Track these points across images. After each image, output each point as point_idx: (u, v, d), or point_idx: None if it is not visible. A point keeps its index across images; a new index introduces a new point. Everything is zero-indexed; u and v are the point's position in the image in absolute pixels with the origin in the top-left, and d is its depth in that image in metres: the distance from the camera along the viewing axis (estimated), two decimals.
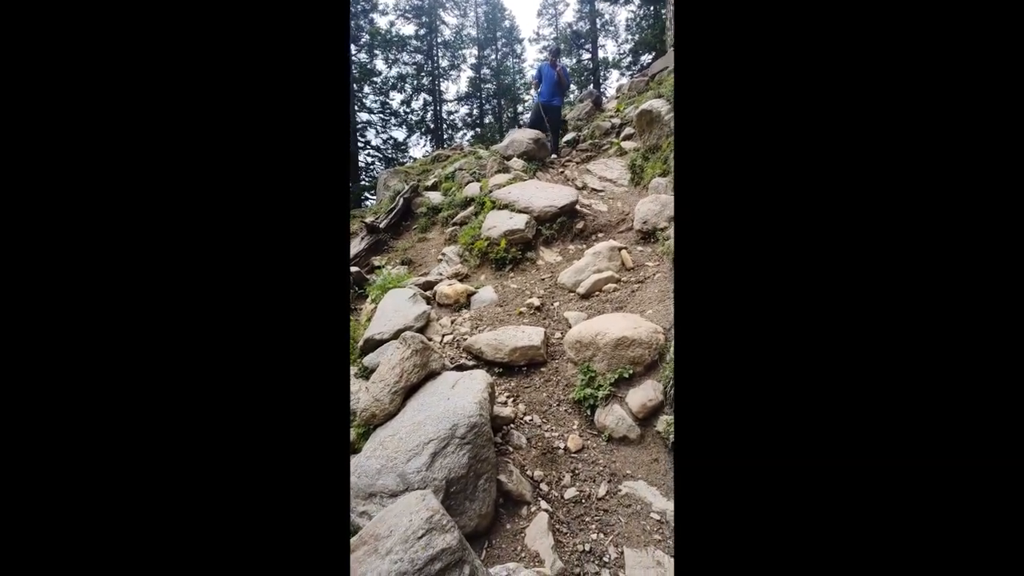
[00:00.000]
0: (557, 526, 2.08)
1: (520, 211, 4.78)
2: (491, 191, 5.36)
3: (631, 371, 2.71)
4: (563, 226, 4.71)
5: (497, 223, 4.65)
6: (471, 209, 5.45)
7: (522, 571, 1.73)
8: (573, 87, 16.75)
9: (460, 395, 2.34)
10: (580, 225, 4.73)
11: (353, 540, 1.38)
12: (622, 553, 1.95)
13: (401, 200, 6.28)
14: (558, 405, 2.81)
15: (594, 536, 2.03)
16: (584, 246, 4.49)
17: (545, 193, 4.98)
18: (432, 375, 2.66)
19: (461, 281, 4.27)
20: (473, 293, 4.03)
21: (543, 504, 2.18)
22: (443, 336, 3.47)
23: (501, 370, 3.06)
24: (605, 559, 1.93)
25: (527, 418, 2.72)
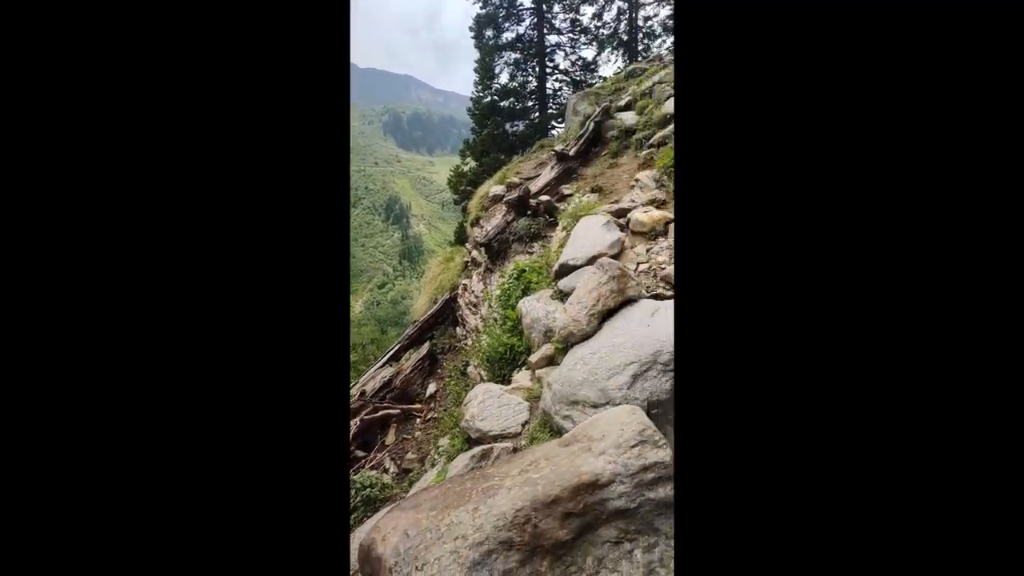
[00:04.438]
0: None
1: None
2: None
3: None
4: None
5: None
6: (671, 127, 4.92)
7: None
8: None
9: (662, 322, 2.26)
10: None
11: (566, 437, 1.52)
12: None
13: (591, 124, 6.06)
14: None
15: None
16: None
17: None
18: (629, 302, 2.63)
19: (658, 208, 4.00)
20: (671, 220, 3.74)
21: None
22: (638, 265, 3.36)
23: None
24: None
25: None
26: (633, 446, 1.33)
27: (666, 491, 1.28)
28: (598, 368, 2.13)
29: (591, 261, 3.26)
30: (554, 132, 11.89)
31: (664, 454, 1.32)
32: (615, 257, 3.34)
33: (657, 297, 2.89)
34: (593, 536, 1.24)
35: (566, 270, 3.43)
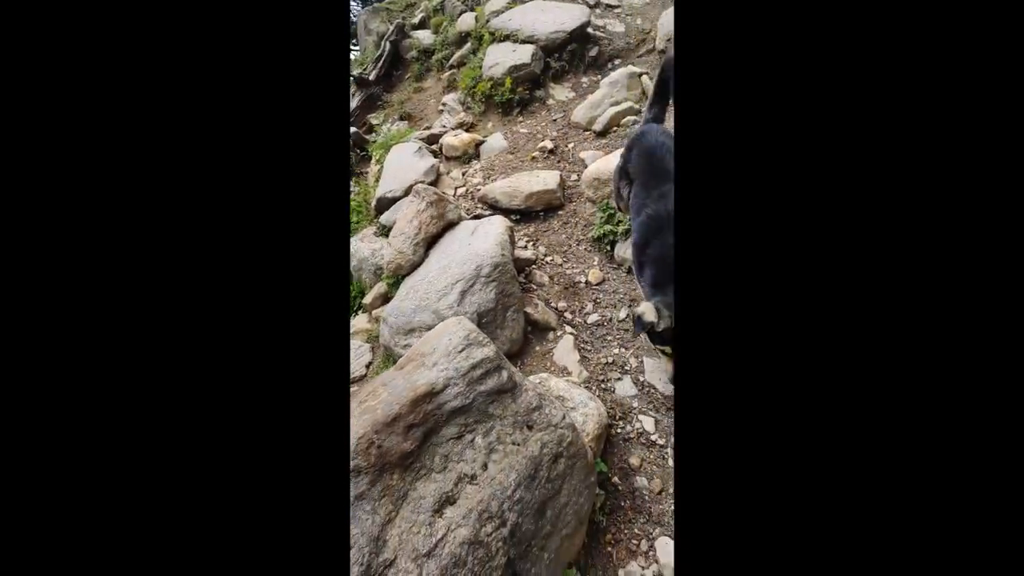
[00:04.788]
0: (582, 345, 2.29)
1: (524, 41, 4.23)
2: (488, 20, 4.69)
3: None
4: (574, 55, 4.19)
5: (499, 59, 4.16)
6: (468, 46, 4.85)
7: (553, 379, 1.96)
8: None
9: (480, 239, 2.38)
10: (593, 52, 4.20)
11: (400, 361, 1.55)
12: (641, 362, 2.17)
13: (387, 45, 5.59)
14: (578, 244, 2.86)
15: (616, 350, 2.24)
16: (599, 76, 4.05)
17: (551, 16, 4.33)
18: (451, 225, 2.69)
19: (467, 131, 4.03)
20: (481, 142, 3.82)
21: (568, 329, 2.37)
22: (456, 189, 3.40)
23: (518, 217, 3.06)
24: (626, 368, 2.16)
25: (548, 259, 2.80)
26: (461, 350, 1.44)
27: (494, 381, 1.44)
28: (428, 293, 2.17)
29: (409, 190, 3.18)
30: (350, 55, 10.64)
31: (488, 350, 1.46)
32: (432, 184, 3.31)
33: (477, 218, 3.01)
34: (437, 438, 1.34)
35: (385, 203, 3.29)
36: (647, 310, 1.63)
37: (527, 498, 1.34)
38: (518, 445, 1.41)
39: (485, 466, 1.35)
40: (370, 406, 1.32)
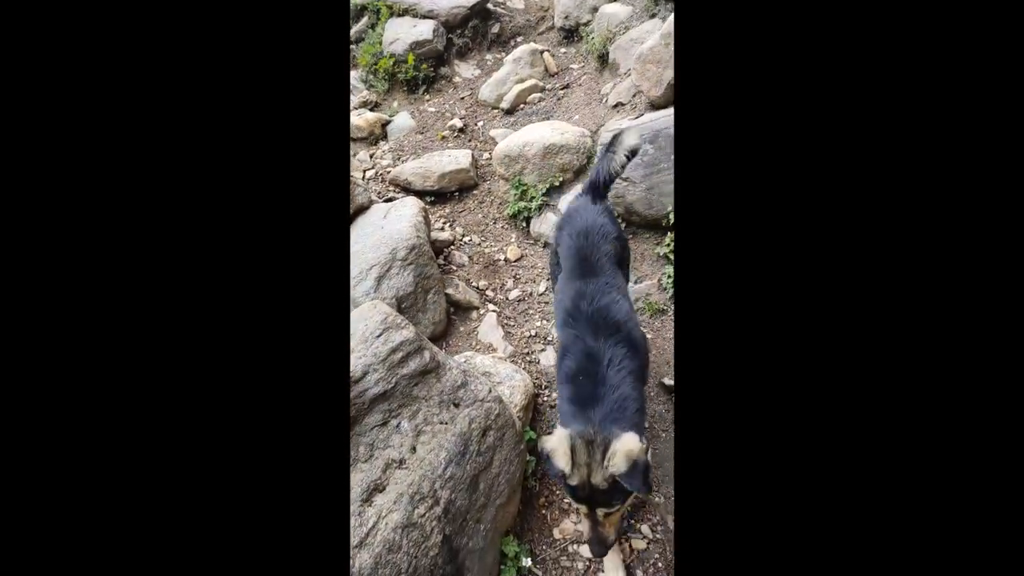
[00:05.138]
0: (505, 321, 2.33)
1: (424, 16, 4.07)
2: None
3: (561, 178, 2.74)
4: (476, 31, 4.12)
5: (400, 34, 3.97)
6: (365, 20, 4.55)
7: (478, 356, 1.97)
8: None
9: (393, 222, 2.30)
10: (496, 28, 4.17)
11: None
12: None
13: None
14: (494, 223, 2.87)
15: (538, 323, 2.31)
16: (503, 53, 4.03)
17: None
18: (361, 209, 2.56)
19: (372, 110, 3.82)
20: (388, 122, 3.65)
21: (490, 307, 2.39)
22: (364, 172, 3.23)
23: (432, 198, 2.99)
24: (549, 339, 2.24)
25: (466, 239, 2.78)
26: (379, 335, 1.39)
27: (416, 363, 1.41)
28: None
29: None
30: None
31: (408, 332, 1.43)
32: None
33: (389, 200, 2.89)
34: (360, 428, 1.30)
35: None
36: (556, 447, 1.24)
37: (459, 474, 1.35)
38: (446, 424, 1.41)
39: (413, 449, 1.33)
40: None
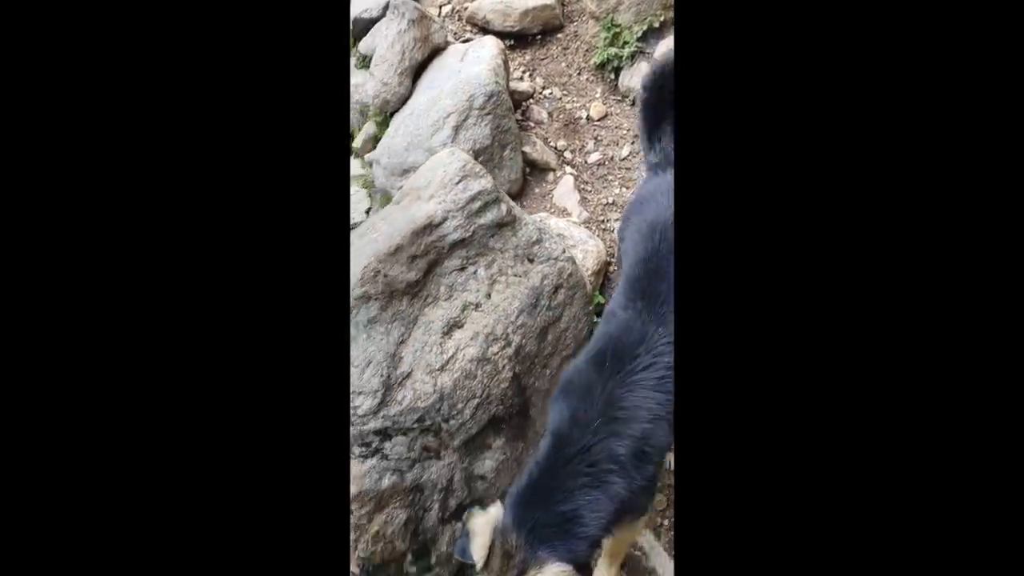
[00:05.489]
0: (582, 186, 2.22)
1: None
2: None
3: (663, 16, 2.31)
4: None
5: None
6: None
7: (552, 219, 1.94)
8: None
9: (471, 65, 2.12)
10: None
11: (396, 197, 1.50)
12: None
13: None
14: (578, 74, 2.56)
15: (617, 191, 2.18)
16: None
17: None
18: (437, 50, 2.37)
19: None
20: None
21: (568, 169, 2.27)
22: (440, 7, 2.91)
23: (512, 41, 2.67)
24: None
25: (546, 92, 2.54)
26: (458, 182, 1.38)
27: (493, 214, 1.41)
28: (419, 128, 2.01)
29: (387, 8, 2.72)
30: None
31: (486, 182, 1.40)
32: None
33: (466, 42, 2.64)
34: (440, 269, 1.37)
35: (362, 25, 2.84)
36: (479, 532, 1.02)
37: (529, 323, 1.43)
38: (519, 277, 1.45)
39: (488, 295, 1.41)
40: (371, 239, 1.32)
